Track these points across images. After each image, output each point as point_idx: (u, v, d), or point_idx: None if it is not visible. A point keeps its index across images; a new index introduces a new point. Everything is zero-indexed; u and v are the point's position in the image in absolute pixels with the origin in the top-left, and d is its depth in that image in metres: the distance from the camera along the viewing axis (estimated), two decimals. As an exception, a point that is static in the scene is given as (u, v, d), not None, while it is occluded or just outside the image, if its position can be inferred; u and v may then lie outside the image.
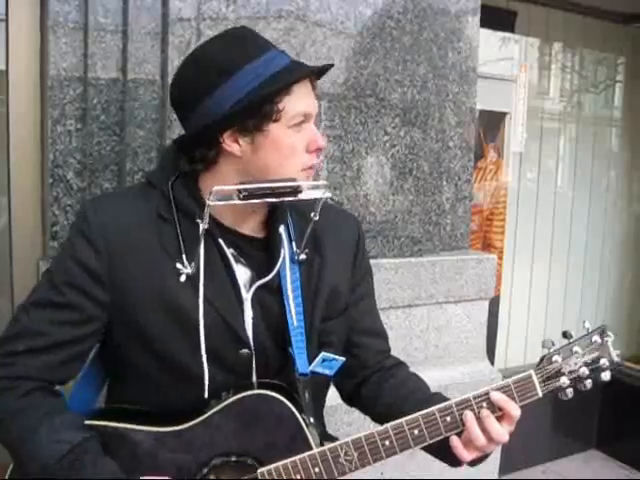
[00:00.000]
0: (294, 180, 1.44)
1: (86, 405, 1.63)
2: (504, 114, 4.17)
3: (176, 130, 2.16)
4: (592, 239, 4.68)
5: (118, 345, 1.52)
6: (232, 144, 1.45)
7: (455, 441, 1.46)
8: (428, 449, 1.54)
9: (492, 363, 3.25)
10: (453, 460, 1.53)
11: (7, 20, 2.16)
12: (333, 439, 1.66)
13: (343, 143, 2.54)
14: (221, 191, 1.40)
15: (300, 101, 1.44)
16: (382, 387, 1.70)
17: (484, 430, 1.45)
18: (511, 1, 4.00)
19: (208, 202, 1.39)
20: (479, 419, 1.46)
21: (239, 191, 1.40)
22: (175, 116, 2.12)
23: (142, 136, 2.16)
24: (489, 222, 4.11)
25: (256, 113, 1.41)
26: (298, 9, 2.36)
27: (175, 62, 2.14)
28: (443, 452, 1.53)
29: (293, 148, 1.46)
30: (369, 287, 1.78)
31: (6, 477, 1.50)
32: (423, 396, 1.64)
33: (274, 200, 1.45)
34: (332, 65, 1.59)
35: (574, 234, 4.59)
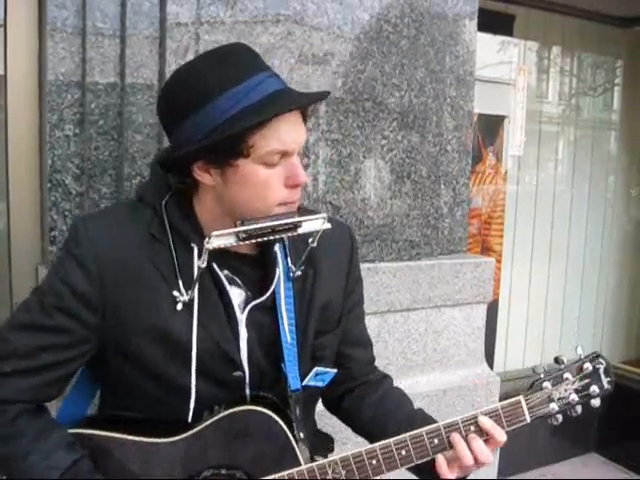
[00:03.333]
0: (293, 216, 1.41)
1: (78, 412, 1.63)
2: (503, 118, 4.17)
3: (174, 135, 2.17)
4: (591, 243, 4.68)
5: (109, 361, 1.49)
6: (203, 174, 1.40)
7: (440, 460, 1.48)
8: (415, 470, 1.56)
9: (491, 367, 3.25)
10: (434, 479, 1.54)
11: (5, 25, 2.17)
12: (330, 439, 1.68)
13: (341, 147, 2.54)
14: (219, 235, 1.36)
15: (276, 138, 1.35)
16: (364, 401, 1.71)
17: (471, 451, 1.46)
18: (510, 5, 4.00)
19: (206, 245, 1.35)
20: (466, 442, 1.47)
21: (237, 233, 1.37)
22: (173, 121, 2.16)
23: (140, 141, 2.16)
24: (488, 226, 4.11)
25: (224, 149, 1.35)
26: (296, 13, 2.36)
27: (173, 67, 2.15)
28: (425, 472, 1.53)
29: (266, 184, 1.38)
30: (359, 296, 1.76)
31: None
32: (404, 413, 1.66)
33: (274, 237, 1.41)
34: (322, 94, 1.48)
35: (573, 238, 4.59)
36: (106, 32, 2.10)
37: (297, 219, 1.41)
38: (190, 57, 2.17)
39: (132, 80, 2.13)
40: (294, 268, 1.54)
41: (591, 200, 4.66)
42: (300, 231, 1.42)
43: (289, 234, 1.42)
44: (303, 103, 1.42)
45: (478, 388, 2.82)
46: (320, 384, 1.60)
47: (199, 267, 1.40)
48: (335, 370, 1.63)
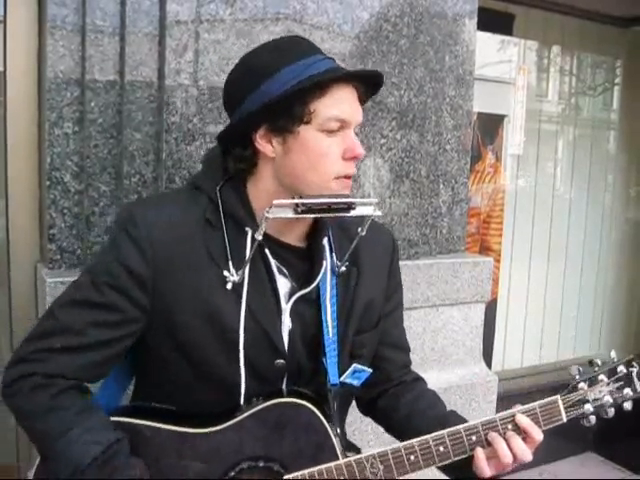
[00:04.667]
0: (348, 196, 1.46)
1: (111, 401, 1.63)
2: (502, 117, 4.17)
3: (173, 133, 2.17)
4: (590, 242, 4.69)
5: (152, 347, 1.51)
6: (265, 144, 1.46)
7: (480, 454, 1.48)
8: (443, 468, 1.57)
9: (489, 366, 3.25)
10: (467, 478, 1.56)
11: (5, 23, 2.18)
12: (356, 449, 1.68)
13: (340, 146, 2.54)
14: (279, 204, 1.40)
15: (335, 105, 1.43)
16: (399, 400, 1.71)
17: (510, 450, 1.47)
18: (509, 4, 4.00)
19: (266, 214, 1.40)
20: (505, 440, 1.48)
21: (296, 205, 1.40)
22: (172, 119, 2.17)
23: (139, 139, 2.16)
24: (486, 225, 4.11)
25: (286, 113, 1.42)
26: (295, 12, 2.36)
27: (172, 65, 2.15)
28: (458, 471, 1.55)
29: (324, 153, 1.44)
30: (400, 300, 1.79)
31: (31, 477, 1.50)
32: (439, 412, 1.67)
33: (329, 215, 1.46)
34: (379, 74, 1.55)
35: (572, 237, 4.59)
36: (106, 30, 2.10)
37: (352, 200, 1.44)
38: (190, 55, 2.17)
39: (131, 78, 2.13)
40: (339, 263, 1.58)
41: (590, 199, 4.67)
42: (353, 213, 1.45)
43: (343, 214, 1.44)
44: (360, 74, 1.54)
45: (476, 387, 2.82)
46: (356, 382, 1.62)
47: (253, 240, 1.45)
48: (370, 370, 1.65)
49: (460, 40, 2.78)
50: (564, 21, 4.29)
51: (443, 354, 2.83)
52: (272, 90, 1.42)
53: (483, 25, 2.94)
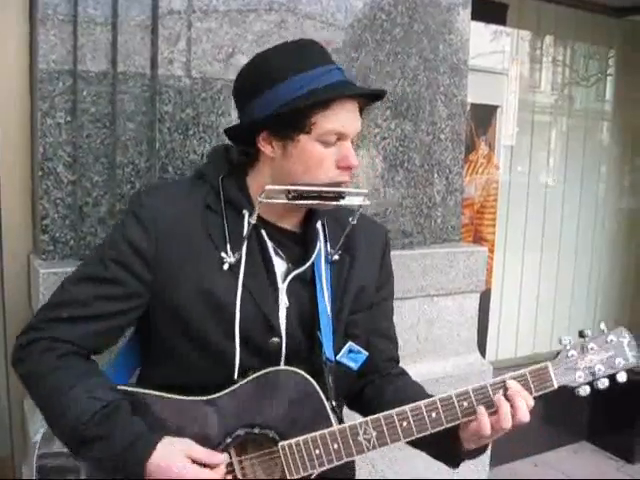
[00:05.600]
0: (339, 186, 1.56)
1: (119, 381, 1.68)
2: (495, 107, 4.17)
3: (166, 123, 2.16)
4: (583, 232, 4.70)
5: (155, 325, 1.61)
6: (266, 145, 1.56)
7: (482, 409, 1.50)
8: (427, 448, 1.63)
9: (483, 356, 3.25)
10: (453, 453, 1.60)
11: (-4, 12, 2.16)
12: None
13: (334, 136, 2.53)
14: (272, 190, 1.52)
15: (336, 119, 1.51)
16: (385, 389, 1.75)
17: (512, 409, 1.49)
18: (502, -6, 3.99)
19: (259, 198, 1.52)
20: (509, 401, 1.50)
21: (288, 191, 1.52)
22: (165, 109, 2.16)
23: (132, 129, 2.15)
24: (480, 215, 4.11)
25: (289, 123, 1.51)
26: (289, 1, 2.35)
27: (165, 54, 2.14)
28: (444, 445, 1.58)
29: (320, 161, 1.53)
30: (389, 291, 1.85)
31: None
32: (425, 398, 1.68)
33: (319, 203, 1.55)
34: (383, 92, 1.66)
35: (565, 227, 4.60)
36: (98, 19, 2.09)
37: (341, 189, 1.56)
38: (182, 45, 2.17)
39: (124, 68, 2.12)
40: (332, 251, 1.68)
41: (583, 190, 4.67)
42: (343, 202, 1.56)
43: (333, 203, 1.55)
44: (363, 92, 1.65)
45: (471, 377, 2.82)
46: (352, 364, 1.68)
47: (249, 223, 1.55)
48: (367, 353, 1.70)
49: (454, 29, 2.77)
50: (558, 11, 4.28)
51: (438, 344, 2.83)
52: (278, 98, 1.51)
53: (476, 15, 2.93)
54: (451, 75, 2.79)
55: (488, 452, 2.92)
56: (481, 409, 1.50)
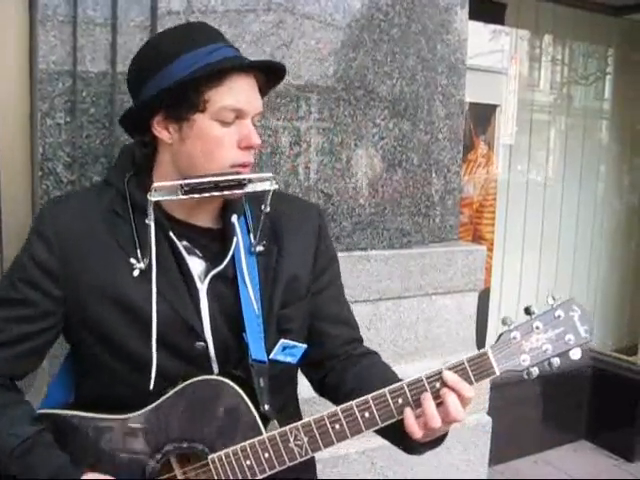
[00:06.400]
0: (237, 173, 1.45)
1: (62, 400, 1.65)
2: (494, 106, 4.17)
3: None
4: (582, 231, 4.70)
5: (76, 340, 1.55)
6: (162, 130, 1.47)
7: (409, 413, 1.40)
8: (384, 434, 1.52)
9: (482, 354, 3.26)
10: (408, 445, 1.50)
11: (-5, 13, 2.16)
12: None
13: (332, 135, 2.55)
14: (162, 187, 1.43)
15: (230, 95, 1.42)
16: (345, 374, 1.65)
17: (444, 407, 1.39)
18: (501, -7, 4.00)
19: (149, 197, 1.41)
20: (439, 397, 1.39)
21: (181, 186, 1.41)
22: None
23: (131, 129, 2.16)
24: (479, 214, 4.12)
25: (181, 101, 1.42)
26: (287, 1, 2.36)
27: (164, 55, 2.15)
28: (398, 437, 1.49)
29: (219, 142, 1.44)
30: (334, 274, 1.74)
31: None
32: (388, 382, 1.52)
33: (218, 194, 1.45)
34: (277, 64, 1.57)
35: (564, 226, 4.60)
36: (97, 20, 2.09)
37: (241, 176, 1.44)
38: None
39: (123, 68, 2.12)
40: (254, 242, 1.57)
41: (582, 189, 4.68)
42: (247, 190, 1.46)
43: (235, 191, 1.45)
44: (252, 63, 1.50)
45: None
46: (290, 359, 1.59)
47: (149, 227, 1.44)
48: (305, 345, 1.62)
49: (452, 29, 2.78)
50: (556, 10, 4.28)
51: (436, 343, 2.84)
52: (169, 77, 1.42)
53: (475, 14, 2.94)
54: (449, 75, 2.80)
55: (488, 452, 2.95)
56: (407, 411, 1.40)
